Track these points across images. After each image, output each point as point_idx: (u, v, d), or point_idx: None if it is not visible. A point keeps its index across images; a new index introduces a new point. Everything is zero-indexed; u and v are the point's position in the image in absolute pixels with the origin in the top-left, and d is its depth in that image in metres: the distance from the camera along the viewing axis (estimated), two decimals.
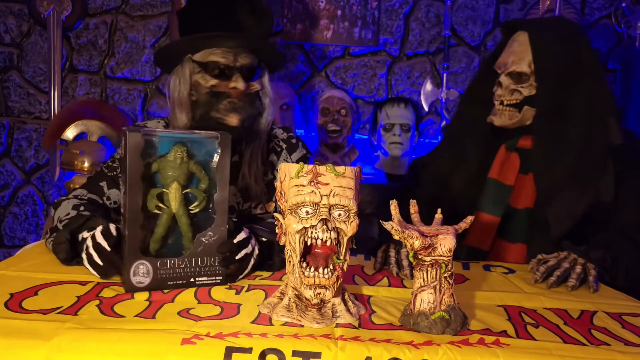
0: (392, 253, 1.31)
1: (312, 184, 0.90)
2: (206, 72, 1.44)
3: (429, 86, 3.17)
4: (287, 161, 1.57)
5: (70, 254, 1.16)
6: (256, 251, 1.19)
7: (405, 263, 1.26)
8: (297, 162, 1.53)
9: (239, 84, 1.41)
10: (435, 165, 1.74)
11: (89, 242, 1.11)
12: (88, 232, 1.16)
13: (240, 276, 1.17)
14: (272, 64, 1.55)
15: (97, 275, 1.10)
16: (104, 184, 1.45)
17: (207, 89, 1.44)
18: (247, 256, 1.16)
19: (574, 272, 1.24)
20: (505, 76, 1.57)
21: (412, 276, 0.97)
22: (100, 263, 1.08)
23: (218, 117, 1.43)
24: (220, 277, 1.11)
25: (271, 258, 1.25)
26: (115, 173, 1.48)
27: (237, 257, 1.13)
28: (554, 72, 1.51)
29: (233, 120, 1.43)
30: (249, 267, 1.17)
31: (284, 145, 1.59)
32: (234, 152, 1.52)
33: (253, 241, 1.19)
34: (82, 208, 1.30)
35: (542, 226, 1.49)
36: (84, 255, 1.12)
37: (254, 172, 1.50)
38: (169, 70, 1.54)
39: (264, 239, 1.25)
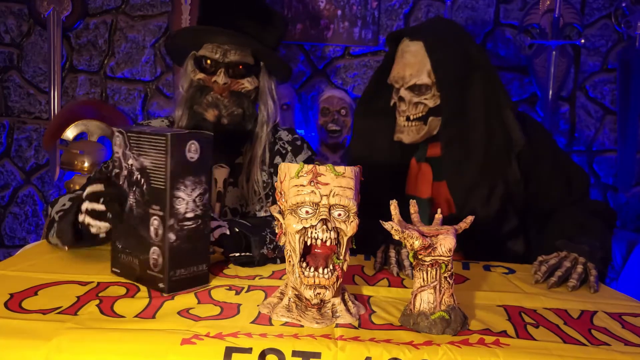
0: (392, 253, 1.31)
1: (312, 184, 0.90)
2: (197, 66, 1.47)
3: None
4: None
5: (73, 239, 1.18)
6: (217, 232, 1.20)
7: (406, 263, 1.26)
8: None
9: (219, 78, 1.42)
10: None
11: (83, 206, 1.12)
12: (82, 214, 1.15)
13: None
14: (276, 71, 1.55)
15: (102, 228, 1.11)
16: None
17: (196, 83, 1.46)
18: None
19: (575, 272, 1.24)
20: (406, 90, 1.50)
21: (413, 276, 0.97)
22: (102, 208, 1.10)
23: (200, 111, 1.45)
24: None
25: (245, 250, 1.25)
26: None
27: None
28: (453, 78, 1.48)
29: (210, 115, 1.44)
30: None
31: (289, 148, 1.58)
32: (237, 155, 1.52)
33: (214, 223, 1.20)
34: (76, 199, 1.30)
35: (467, 232, 1.50)
36: (81, 217, 1.13)
37: (252, 179, 1.49)
38: (180, 63, 1.57)
39: (236, 230, 1.25)
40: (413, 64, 1.48)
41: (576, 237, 1.33)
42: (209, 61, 1.44)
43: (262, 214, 1.51)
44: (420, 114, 1.51)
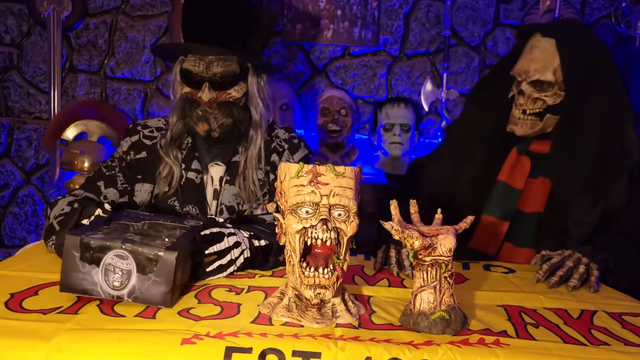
0: (393, 253, 1.31)
1: (312, 183, 0.90)
2: (182, 78, 1.47)
3: (429, 86, 3.17)
4: (289, 161, 1.57)
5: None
6: (242, 259, 1.20)
7: (406, 263, 1.26)
8: (299, 162, 1.53)
9: (204, 94, 1.41)
10: (436, 167, 1.72)
11: None
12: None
13: (213, 277, 1.16)
14: (262, 69, 1.55)
15: None
16: (101, 183, 1.46)
17: (183, 95, 1.47)
18: (222, 252, 1.17)
19: (576, 272, 1.24)
20: (528, 84, 1.53)
21: (413, 276, 0.98)
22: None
23: (191, 124, 1.47)
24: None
25: (268, 260, 1.25)
26: (113, 172, 1.48)
27: (206, 252, 1.15)
28: (581, 81, 1.48)
29: (201, 129, 1.45)
30: (226, 272, 1.18)
31: (286, 146, 1.58)
32: (234, 153, 1.52)
33: (238, 250, 1.19)
34: (76, 205, 1.30)
35: (554, 231, 1.49)
36: None
37: (250, 176, 1.50)
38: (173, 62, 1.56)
39: (263, 243, 1.25)
40: (540, 59, 1.51)
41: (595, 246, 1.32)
42: (191, 76, 1.44)
43: (259, 211, 1.52)
44: (537, 110, 1.53)
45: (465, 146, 1.67)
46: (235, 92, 1.46)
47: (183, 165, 1.50)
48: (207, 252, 1.15)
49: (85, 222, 1.17)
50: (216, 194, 1.52)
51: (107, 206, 1.19)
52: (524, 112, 1.54)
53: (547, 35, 1.52)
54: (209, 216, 1.42)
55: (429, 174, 1.72)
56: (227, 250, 1.18)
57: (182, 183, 1.49)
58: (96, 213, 1.15)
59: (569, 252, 1.30)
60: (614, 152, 1.47)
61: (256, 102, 1.50)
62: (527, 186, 1.57)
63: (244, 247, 1.21)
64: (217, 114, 1.44)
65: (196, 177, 1.50)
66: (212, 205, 1.51)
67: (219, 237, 1.17)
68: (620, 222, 1.45)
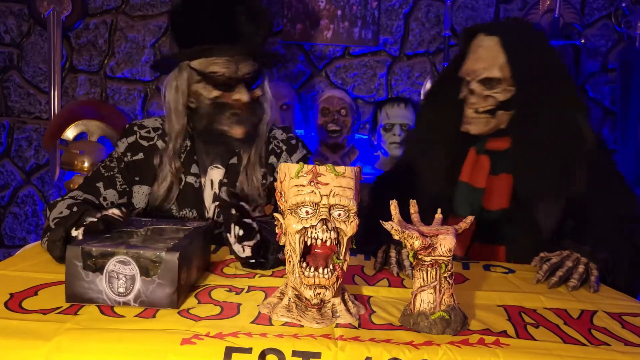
0: (393, 253, 1.31)
1: (312, 184, 0.90)
2: (207, 82, 1.41)
3: (429, 86, 3.17)
4: (288, 162, 1.56)
5: (64, 252, 1.15)
6: (259, 235, 1.18)
7: (406, 263, 1.26)
8: (298, 162, 1.52)
9: (242, 96, 1.40)
10: (402, 176, 1.73)
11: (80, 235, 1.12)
12: (76, 229, 1.16)
13: (245, 242, 1.15)
14: (270, 65, 1.55)
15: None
16: (100, 184, 1.45)
17: (210, 100, 1.42)
18: (252, 229, 1.16)
19: (576, 272, 1.24)
20: (477, 83, 1.54)
21: (413, 276, 0.98)
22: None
23: (222, 129, 1.43)
24: None
25: (266, 257, 1.24)
26: (112, 173, 1.47)
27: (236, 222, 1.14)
28: (528, 74, 1.51)
29: (237, 132, 1.42)
30: (254, 239, 1.16)
31: (284, 147, 1.58)
32: (232, 155, 1.52)
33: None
34: (75, 208, 1.29)
35: (522, 226, 1.51)
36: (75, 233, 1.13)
37: (252, 176, 1.49)
38: (167, 72, 1.52)
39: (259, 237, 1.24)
40: (486, 58, 1.53)
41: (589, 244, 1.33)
42: (224, 78, 1.40)
43: (257, 213, 1.50)
44: (489, 107, 1.55)
45: (426, 151, 1.68)
46: (259, 91, 1.46)
47: (182, 170, 1.49)
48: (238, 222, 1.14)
49: (76, 233, 1.16)
50: (216, 197, 1.51)
51: (124, 210, 1.16)
52: (476, 110, 1.56)
53: (491, 33, 1.55)
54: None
55: (395, 186, 1.73)
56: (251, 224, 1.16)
57: (180, 187, 1.48)
58: (110, 212, 1.13)
59: (567, 252, 1.30)
60: (569, 143, 1.50)
61: (268, 97, 1.51)
62: (489, 184, 1.59)
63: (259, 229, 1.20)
64: (248, 115, 1.43)
65: (195, 182, 1.49)
66: (211, 208, 1.51)
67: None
68: (595, 209, 1.48)
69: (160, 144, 1.52)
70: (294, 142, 1.60)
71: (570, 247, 1.32)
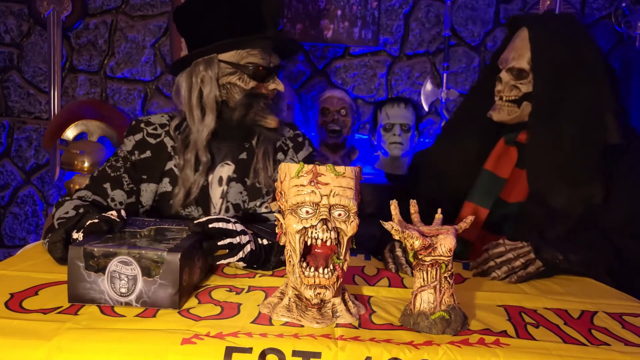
0: (400, 253, 1.31)
1: (312, 183, 0.90)
2: (244, 73, 1.44)
3: (429, 86, 3.17)
4: (294, 160, 1.57)
5: (65, 253, 1.14)
6: (249, 247, 1.17)
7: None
8: (304, 160, 1.53)
9: (279, 85, 1.45)
10: (434, 156, 1.76)
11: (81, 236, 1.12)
12: (77, 232, 1.16)
13: (224, 260, 1.15)
14: (285, 56, 1.57)
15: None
16: (107, 185, 1.44)
17: (246, 91, 1.44)
18: (234, 246, 1.14)
19: (507, 265, 1.26)
20: (506, 72, 1.58)
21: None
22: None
23: (256, 119, 1.46)
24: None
25: (269, 259, 1.25)
26: (119, 173, 1.46)
27: (219, 243, 1.13)
28: (550, 69, 1.51)
29: (272, 122, 1.46)
30: (236, 256, 1.15)
31: (291, 144, 1.59)
32: (242, 150, 1.52)
33: (246, 237, 1.18)
34: (81, 210, 1.29)
35: (530, 222, 1.49)
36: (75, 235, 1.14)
37: (268, 169, 1.50)
38: (178, 71, 1.51)
39: (265, 242, 1.24)
40: (518, 48, 1.56)
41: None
42: (261, 69, 1.43)
43: (263, 209, 1.51)
44: (514, 97, 1.56)
45: (458, 134, 1.72)
46: (281, 82, 1.49)
47: (209, 163, 1.48)
48: (219, 243, 1.13)
49: (77, 235, 1.16)
50: (223, 194, 1.50)
51: (123, 213, 1.16)
52: (501, 98, 1.59)
53: (526, 25, 1.57)
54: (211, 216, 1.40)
55: (429, 165, 1.75)
56: (235, 234, 1.15)
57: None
58: (109, 214, 1.13)
59: (522, 244, 1.31)
60: (595, 145, 1.46)
61: (285, 91, 1.53)
62: (512, 176, 1.58)
63: (250, 239, 1.19)
64: (277, 105, 1.48)
65: (204, 179, 1.50)
66: (218, 204, 1.50)
67: (227, 225, 1.15)
68: (601, 218, 1.42)
69: (167, 140, 1.51)
70: (300, 139, 1.61)
71: (531, 241, 1.32)
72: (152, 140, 1.50)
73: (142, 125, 1.52)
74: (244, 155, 1.51)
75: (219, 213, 1.49)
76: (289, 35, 3.20)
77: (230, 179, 1.50)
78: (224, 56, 1.44)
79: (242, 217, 1.48)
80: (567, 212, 1.44)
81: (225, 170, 1.51)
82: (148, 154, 1.49)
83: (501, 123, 1.61)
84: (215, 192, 1.50)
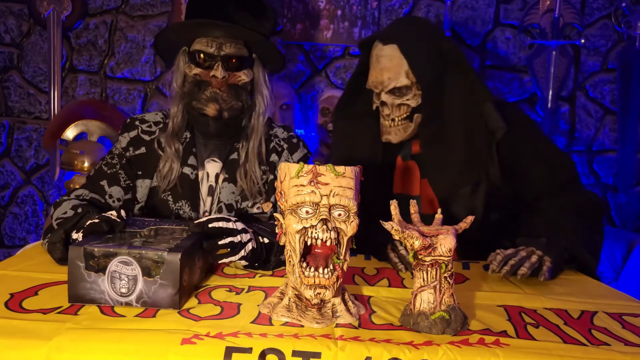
0: (403, 252, 1.31)
1: (312, 184, 0.90)
2: (192, 61, 1.46)
3: None
4: (289, 161, 1.57)
5: (65, 253, 1.15)
6: (250, 245, 1.17)
7: None
8: (299, 162, 1.53)
9: (217, 72, 1.42)
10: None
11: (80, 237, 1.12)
12: (76, 232, 1.16)
13: (226, 260, 1.15)
14: (269, 61, 1.55)
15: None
16: (104, 182, 1.45)
17: (192, 78, 1.46)
18: (235, 244, 1.15)
19: (528, 261, 1.25)
20: (387, 94, 1.52)
21: None
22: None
23: (199, 107, 1.45)
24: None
25: (268, 259, 1.25)
26: (115, 170, 1.47)
27: (220, 242, 1.13)
28: (430, 76, 1.49)
29: (211, 109, 1.44)
30: (237, 255, 1.15)
31: (285, 145, 1.58)
32: (232, 150, 1.52)
33: (247, 235, 1.18)
34: (80, 210, 1.29)
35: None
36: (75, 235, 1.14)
37: (250, 171, 1.49)
38: (171, 62, 1.55)
39: (266, 240, 1.24)
40: (390, 67, 1.50)
41: (543, 235, 1.35)
42: (203, 55, 1.44)
43: (255, 210, 1.51)
44: (405, 115, 1.53)
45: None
46: (244, 76, 1.47)
47: (181, 160, 1.50)
48: (220, 242, 1.13)
49: (76, 235, 1.16)
50: (211, 191, 1.52)
51: (123, 213, 1.16)
52: (392, 120, 1.54)
53: (388, 42, 1.51)
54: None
55: None
56: (236, 232, 1.15)
57: (177, 176, 1.49)
58: (109, 214, 1.14)
59: (522, 246, 1.32)
60: (481, 136, 1.49)
61: (261, 89, 1.52)
62: (422, 188, 1.57)
63: (251, 237, 1.19)
64: (227, 96, 1.44)
65: (191, 173, 1.50)
66: (207, 201, 1.51)
67: (227, 224, 1.15)
68: (532, 189, 1.50)
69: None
70: (295, 140, 1.61)
71: (524, 244, 1.33)
72: (146, 137, 1.52)
73: (137, 122, 1.55)
74: (234, 155, 1.52)
75: (212, 213, 1.50)
76: (290, 36, 3.20)
77: (220, 178, 1.52)
78: (194, 44, 1.48)
79: (236, 217, 1.49)
80: (474, 207, 1.47)
81: (212, 167, 1.53)
82: (143, 150, 1.51)
83: (389, 143, 1.57)
84: (204, 189, 1.52)
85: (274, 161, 1.56)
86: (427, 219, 1.40)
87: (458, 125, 1.50)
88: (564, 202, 1.47)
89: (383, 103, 1.53)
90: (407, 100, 1.51)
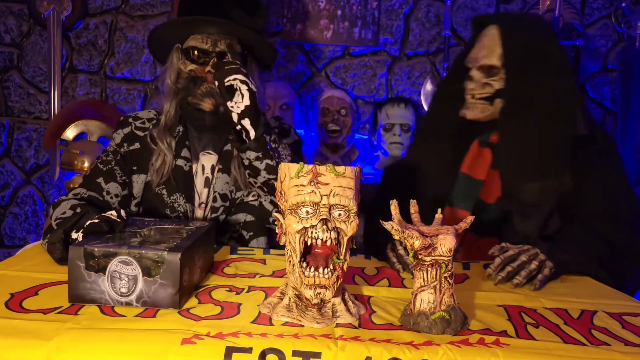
0: (402, 252, 1.31)
1: (312, 183, 0.90)
2: (186, 57, 1.48)
3: (429, 86, 3.17)
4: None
5: (64, 253, 1.15)
6: (253, 87, 1.31)
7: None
8: (292, 147, 1.55)
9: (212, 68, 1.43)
10: (410, 166, 1.74)
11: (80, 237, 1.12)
12: (76, 232, 1.17)
13: (229, 103, 1.29)
14: (263, 58, 1.57)
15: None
16: (100, 180, 1.46)
17: (187, 74, 1.47)
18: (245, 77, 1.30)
19: (525, 269, 1.22)
20: (477, 70, 1.58)
21: None
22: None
23: (194, 102, 1.47)
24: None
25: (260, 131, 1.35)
26: (110, 166, 1.49)
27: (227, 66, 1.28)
28: (521, 64, 1.52)
29: (207, 104, 1.46)
30: (243, 74, 1.31)
31: (276, 130, 1.59)
32: (226, 142, 1.53)
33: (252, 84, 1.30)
34: (78, 209, 1.30)
35: (514, 221, 1.50)
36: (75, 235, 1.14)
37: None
38: (163, 60, 1.57)
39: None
40: (487, 46, 1.56)
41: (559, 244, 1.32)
42: (197, 52, 1.46)
43: (250, 198, 1.53)
44: (486, 94, 1.57)
45: (432, 141, 1.71)
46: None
47: (173, 153, 1.51)
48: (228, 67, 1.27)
49: (76, 235, 1.16)
50: (208, 182, 1.53)
51: (123, 213, 1.17)
52: (473, 96, 1.59)
53: (494, 23, 1.58)
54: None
55: (402, 175, 1.74)
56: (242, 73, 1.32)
57: (171, 168, 1.50)
58: (108, 214, 1.14)
59: (528, 246, 1.29)
60: (562, 138, 1.50)
61: (257, 87, 1.52)
62: (488, 177, 1.58)
63: (251, 81, 1.34)
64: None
65: (185, 165, 1.51)
66: (203, 193, 1.52)
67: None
68: (578, 210, 1.46)
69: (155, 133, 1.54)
70: (286, 127, 1.65)
71: (532, 243, 1.31)
72: (140, 133, 1.54)
73: (130, 119, 1.57)
74: (228, 147, 1.53)
75: (207, 203, 1.51)
76: (290, 36, 3.20)
77: (214, 169, 1.53)
78: (184, 45, 1.49)
79: (231, 206, 1.51)
80: (538, 206, 1.47)
81: (207, 159, 1.54)
82: (137, 145, 1.53)
83: (473, 124, 1.61)
84: (199, 181, 1.53)
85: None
86: (488, 208, 1.51)
87: (543, 121, 1.50)
88: (605, 231, 1.39)
89: (470, 78, 1.59)
90: (493, 80, 1.55)
